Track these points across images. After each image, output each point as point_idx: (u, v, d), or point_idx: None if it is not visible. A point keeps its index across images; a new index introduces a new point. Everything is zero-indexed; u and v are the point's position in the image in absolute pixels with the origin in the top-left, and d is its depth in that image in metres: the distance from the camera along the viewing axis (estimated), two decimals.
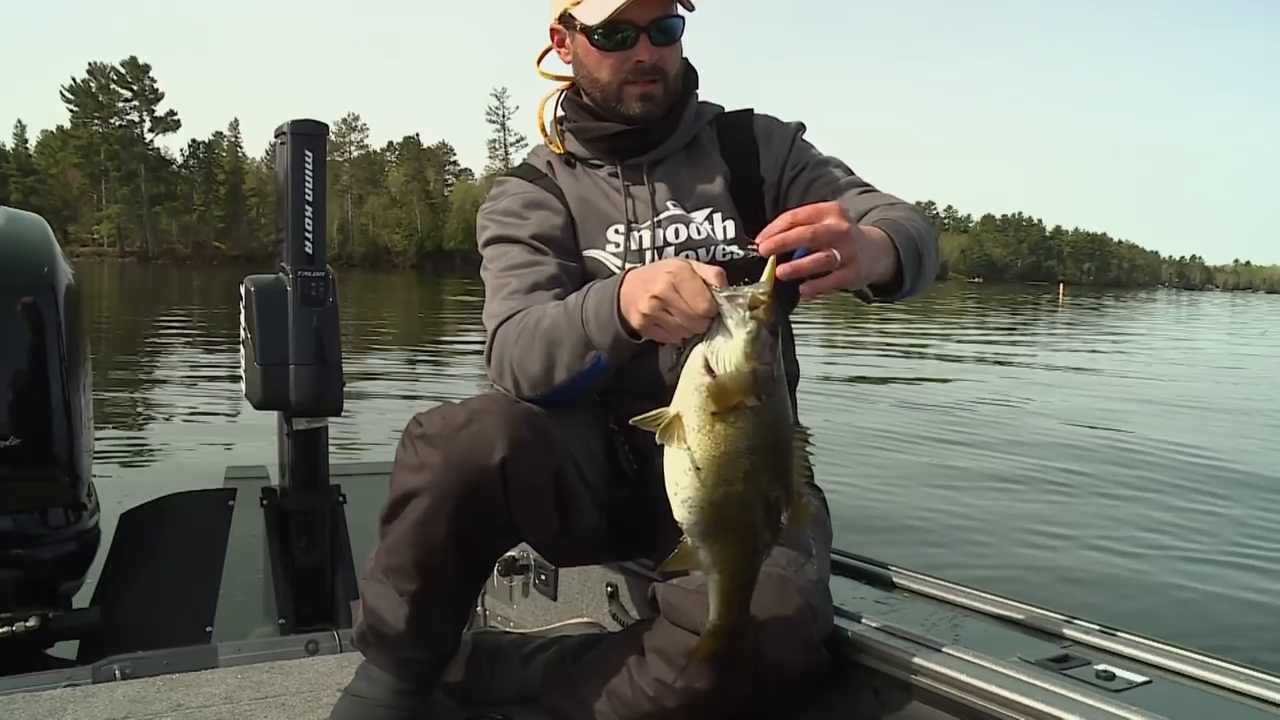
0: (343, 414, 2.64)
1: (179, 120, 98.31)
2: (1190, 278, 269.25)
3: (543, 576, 2.57)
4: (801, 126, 2.06)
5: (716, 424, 1.38)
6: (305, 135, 2.60)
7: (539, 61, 2.05)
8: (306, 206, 2.59)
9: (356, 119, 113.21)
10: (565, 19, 1.92)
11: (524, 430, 1.70)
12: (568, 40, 1.95)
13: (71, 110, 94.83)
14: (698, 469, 1.40)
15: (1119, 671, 1.54)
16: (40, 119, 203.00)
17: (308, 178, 2.59)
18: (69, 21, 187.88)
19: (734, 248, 1.93)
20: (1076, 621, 1.76)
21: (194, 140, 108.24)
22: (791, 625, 1.61)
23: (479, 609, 2.51)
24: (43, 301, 2.37)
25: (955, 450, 8.47)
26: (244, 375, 2.61)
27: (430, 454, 1.69)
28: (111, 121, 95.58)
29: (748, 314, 1.36)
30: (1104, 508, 6.70)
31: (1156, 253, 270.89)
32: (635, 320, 1.52)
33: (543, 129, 2.05)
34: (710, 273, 1.41)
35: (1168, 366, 18.83)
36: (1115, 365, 18.62)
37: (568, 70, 2.01)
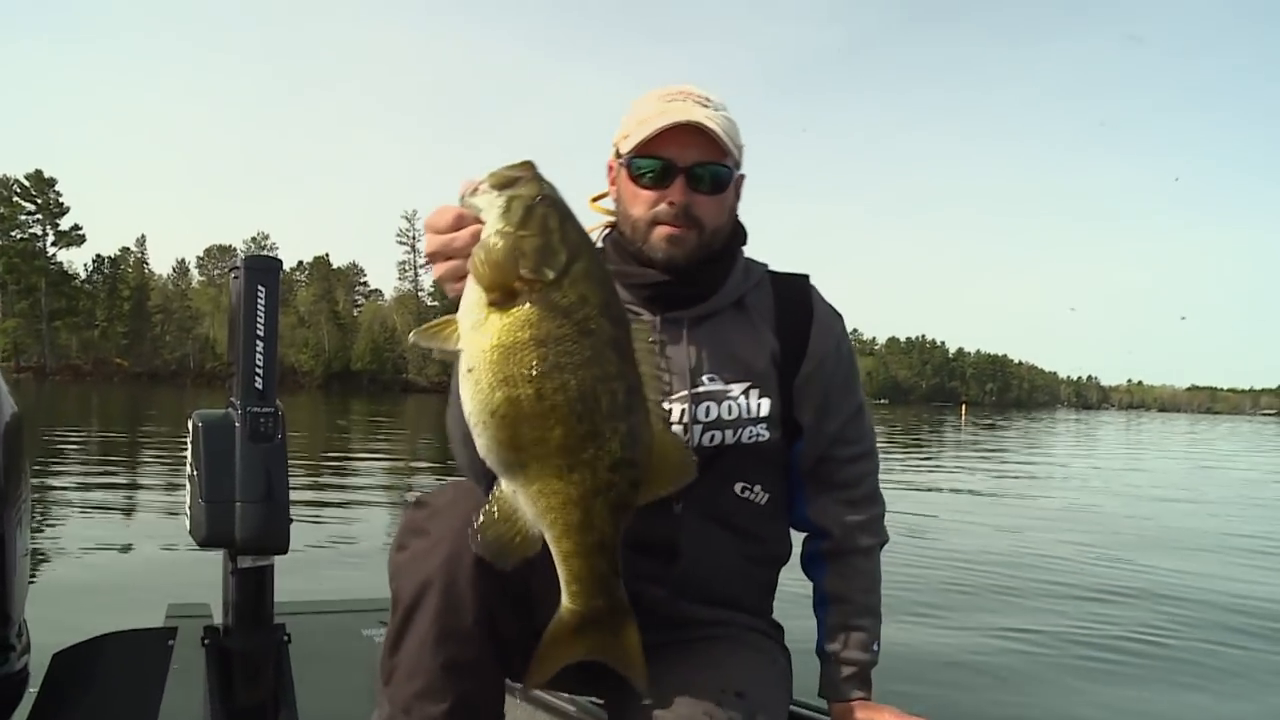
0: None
1: (84, 235, 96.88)
2: (1088, 397, 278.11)
3: None
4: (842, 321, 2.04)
5: (491, 314, 1.20)
6: (259, 270, 2.59)
7: (595, 200, 2.00)
8: (258, 341, 2.57)
9: (266, 238, 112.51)
10: (617, 153, 1.88)
11: None
12: (618, 177, 1.90)
13: None
14: (469, 371, 1.20)
15: None
16: None
17: (260, 312, 2.58)
18: None
19: (763, 428, 1.87)
20: None
21: (99, 255, 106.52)
22: None
23: None
24: None
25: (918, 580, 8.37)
26: (189, 512, 2.56)
27: (443, 525, 1.60)
28: (13, 234, 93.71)
29: (498, 194, 1.24)
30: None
31: (1055, 373, 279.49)
32: (435, 278, 1.37)
33: None
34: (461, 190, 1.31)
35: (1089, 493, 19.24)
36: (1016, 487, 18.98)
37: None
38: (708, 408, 1.83)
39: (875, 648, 1.97)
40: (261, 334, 2.59)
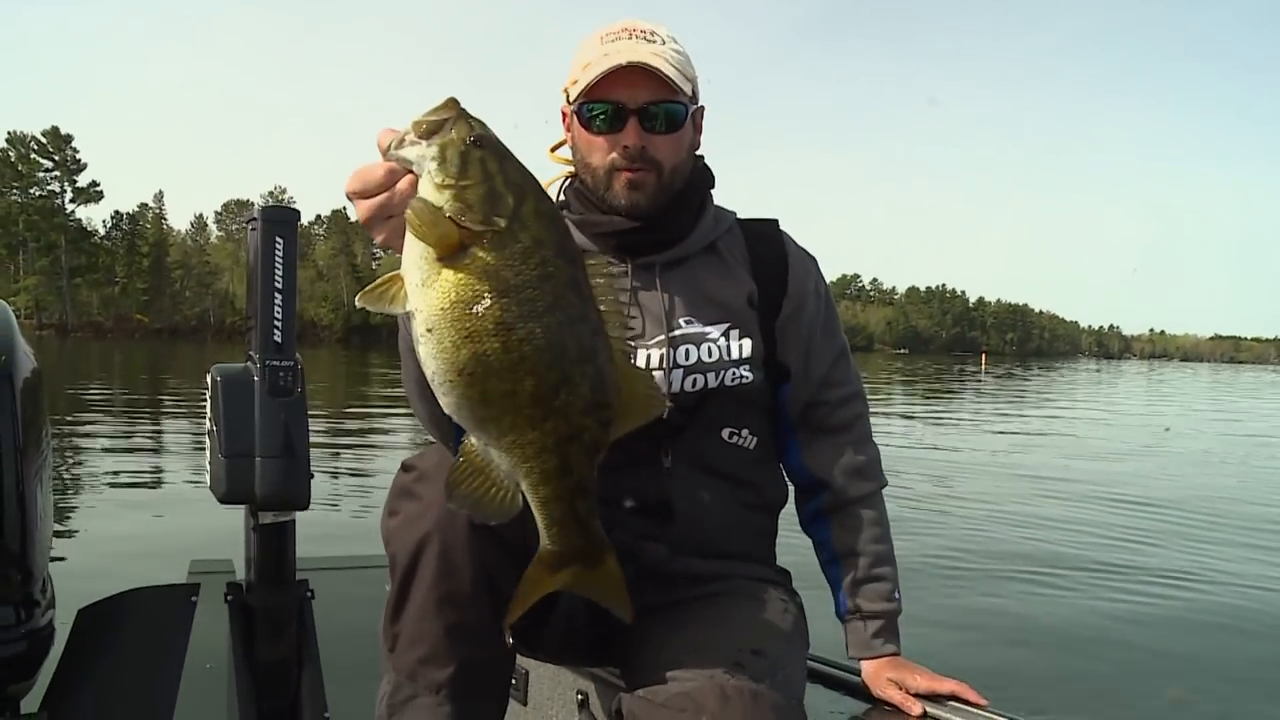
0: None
1: (101, 191, 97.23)
2: (1109, 347, 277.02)
3: (513, 681, 2.49)
4: (816, 263, 2.00)
5: (443, 269, 1.15)
6: (276, 222, 2.53)
7: (553, 150, 1.93)
8: (276, 294, 2.52)
9: (283, 192, 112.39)
10: (568, 98, 1.82)
11: None
12: (571, 124, 1.85)
13: None
14: (429, 331, 1.15)
15: None
16: None
17: (278, 265, 2.53)
18: None
19: (746, 370, 1.82)
20: None
21: (117, 211, 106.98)
22: None
23: None
24: None
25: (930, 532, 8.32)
26: (209, 467, 2.53)
27: (433, 488, 1.55)
28: (31, 191, 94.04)
29: (427, 143, 1.17)
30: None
31: (1076, 323, 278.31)
32: (380, 243, 1.28)
33: None
34: (380, 143, 1.23)
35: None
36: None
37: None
38: (686, 351, 1.80)
39: (897, 595, 1.93)
40: (280, 286, 2.54)
